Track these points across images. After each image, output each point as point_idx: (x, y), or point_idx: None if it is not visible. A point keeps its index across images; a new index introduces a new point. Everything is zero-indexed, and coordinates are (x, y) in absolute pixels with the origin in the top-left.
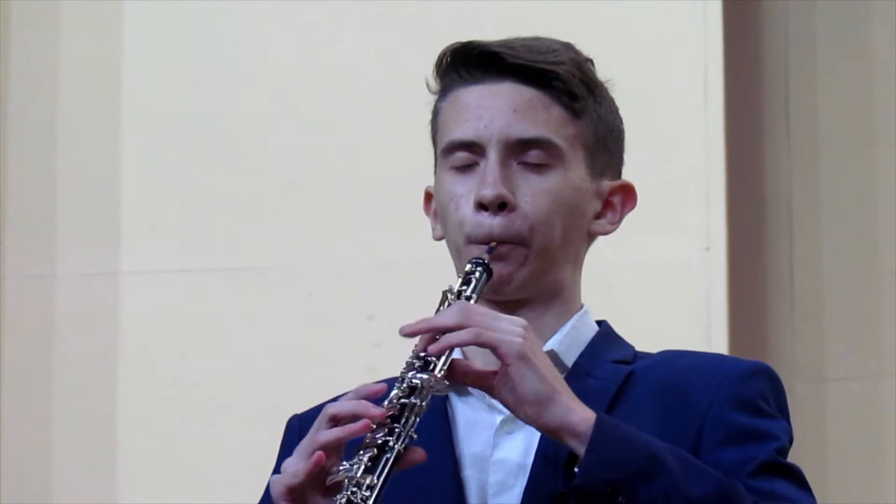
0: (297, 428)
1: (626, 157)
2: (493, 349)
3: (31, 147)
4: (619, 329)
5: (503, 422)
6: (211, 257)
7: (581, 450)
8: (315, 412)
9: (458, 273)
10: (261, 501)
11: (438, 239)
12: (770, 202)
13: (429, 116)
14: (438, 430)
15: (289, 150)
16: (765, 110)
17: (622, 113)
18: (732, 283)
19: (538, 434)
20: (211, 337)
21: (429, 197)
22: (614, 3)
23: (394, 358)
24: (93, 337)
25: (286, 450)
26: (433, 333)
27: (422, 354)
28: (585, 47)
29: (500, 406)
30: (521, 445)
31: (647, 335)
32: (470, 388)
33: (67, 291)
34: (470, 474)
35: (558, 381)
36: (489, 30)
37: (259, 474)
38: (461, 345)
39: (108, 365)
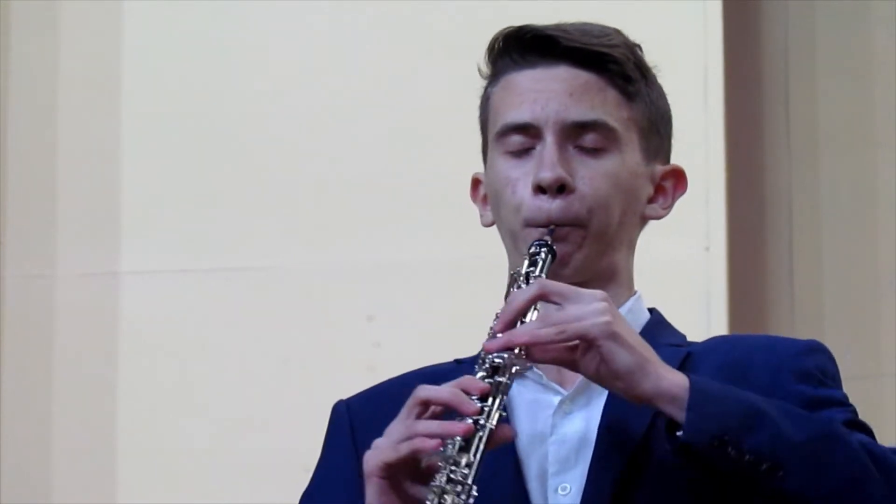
0: (346, 413)
1: None
2: (582, 339)
3: (31, 147)
4: None
5: (561, 402)
6: (211, 257)
7: (680, 414)
8: (361, 396)
9: (509, 258)
10: (320, 466)
11: (488, 225)
12: (770, 202)
13: (430, 116)
14: None
15: (289, 151)
16: (765, 110)
17: None
18: (732, 282)
19: (597, 413)
20: (211, 337)
21: (475, 183)
22: (614, 3)
23: (394, 358)
24: (93, 337)
25: (334, 436)
26: (514, 316)
27: (499, 335)
28: None
29: (556, 387)
30: (581, 425)
31: None
32: (525, 371)
33: (67, 291)
34: (528, 454)
35: (647, 349)
36: (488, 30)
37: (259, 474)
38: (548, 342)
39: (108, 365)
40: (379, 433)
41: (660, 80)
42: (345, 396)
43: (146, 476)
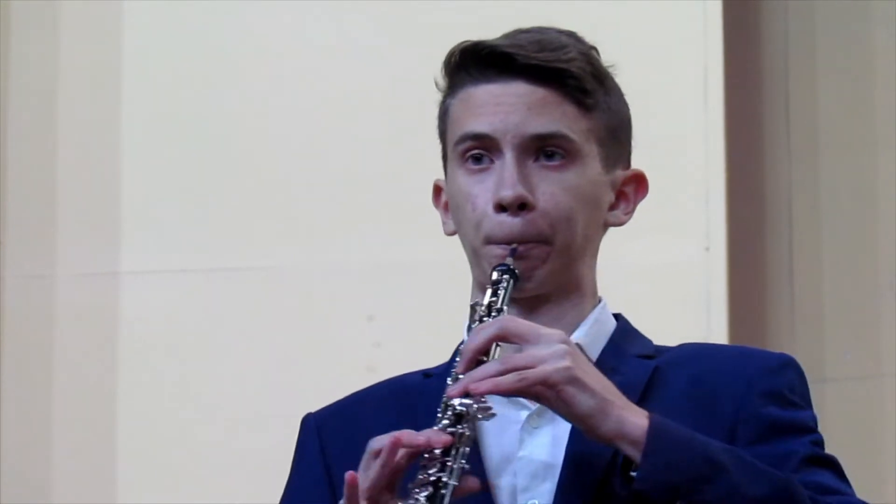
0: (315, 426)
1: None
2: (543, 384)
3: (31, 147)
4: None
5: (528, 417)
6: (211, 257)
7: (637, 456)
8: (330, 410)
9: (472, 270)
10: (290, 485)
11: (451, 234)
12: (770, 202)
13: (430, 116)
14: None
15: (289, 151)
16: (765, 110)
17: None
18: (732, 283)
19: (565, 427)
20: (211, 337)
21: (437, 190)
22: (614, 4)
23: (394, 358)
24: (93, 337)
25: (302, 449)
26: (472, 357)
27: (460, 376)
28: None
29: (524, 401)
30: (548, 440)
31: (647, 336)
32: None
33: (67, 291)
34: (498, 470)
35: (608, 390)
36: (487, 30)
37: (259, 474)
38: (509, 392)
39: (108, 365)
40: (348, 447)
41: (654, 83)
42: (346, 394)
43: (146, 476)
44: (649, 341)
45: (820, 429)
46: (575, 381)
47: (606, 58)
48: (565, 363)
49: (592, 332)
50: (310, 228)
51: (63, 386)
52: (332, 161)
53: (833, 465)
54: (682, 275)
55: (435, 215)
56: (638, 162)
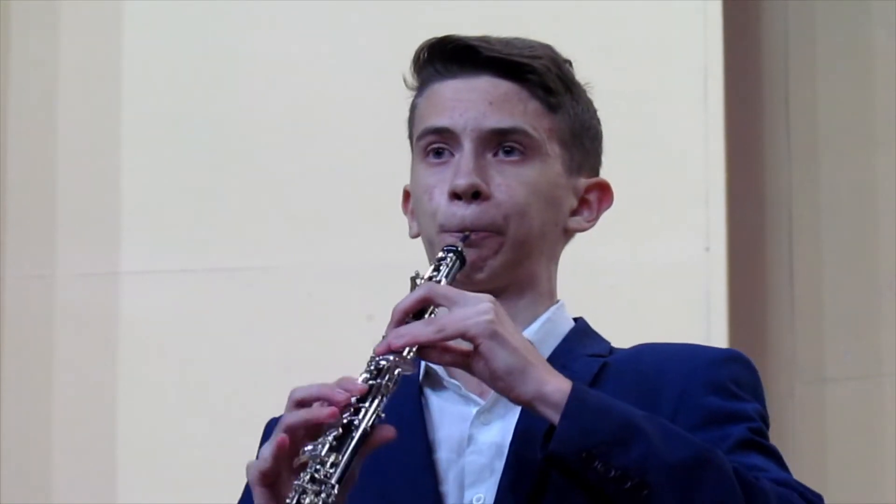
0: (274, 427)
1: (627, 156)
2: (462, 336)
3: (31, 147)
4: (619, 329)
5: (479, 412)
6: (211, 257)
7: (555, 418)
8: None
9: (429, 263)
10: (244, 490)
11: (415, 236)
12: (770, 202)
13: None
14: (413, 421)
15: (289, 151)
16: (765, 110)
17: (622, 113)
18: (732, 283)
19: (513, 424)
20: (211, 337)
21: (407, 196)
22: (614, 4)
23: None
24: (93, 337)
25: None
26: (401, 318)
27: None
28: (585, 48)
29: (475, 397)
30: (498, 435)
31: (647, 335)
32: (444, 381)
33: (67, 291)
34: (447, 464)
35: (532, 353)
36: (487, 30)
37: None
38: (427, 342)
39: (108, 365)
40: None
41: (654, 83)
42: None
43: (146, 476)
44: (606, 343)
45: (820, 428)
46: (496, 335)
47: (608, 58)
48: (488, 317)
49: (543, 331)
50: (310, 228)
51: (63, 386)
52: (333, 161)
53: (770, 452)
54: (682, 275)
55: None
56: (638, 162)
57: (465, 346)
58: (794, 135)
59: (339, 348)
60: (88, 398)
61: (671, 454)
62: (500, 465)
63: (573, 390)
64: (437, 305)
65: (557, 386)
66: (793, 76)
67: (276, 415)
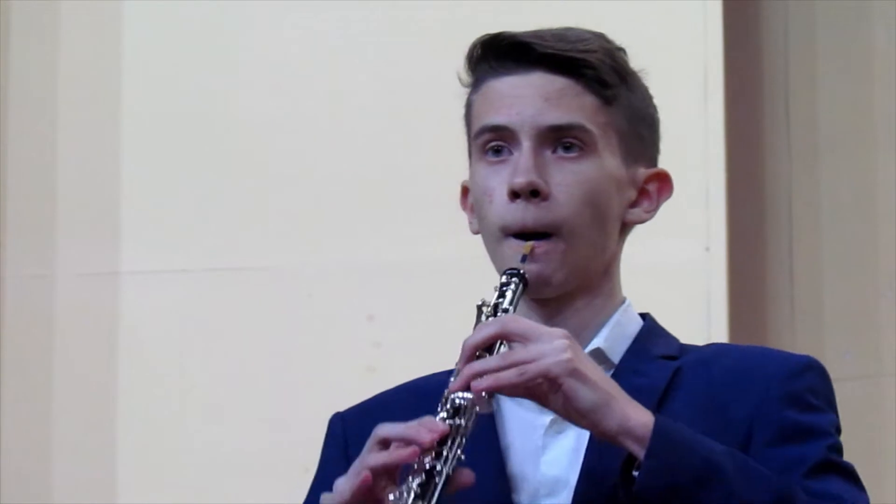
0: (341, 427)
1: None
2: (543, 378)
3: (32, 147)
4: None
5: (552, 421)
6: (211, 257)
7: (640, 453)
8: (356, 410)
9: (496, 267)
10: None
11: (475, 233)
12: (770, 202)
13: (430, 116)
14: (485, 429)
15: (289, 151)
16: (765, 110)
17: None
18: (732, 283)
19: (587, 432)
20: (211, 337)
21: (465, 191)
22: (614, 4)
23: (394, 358)
24: (93, 337)
25: (327, 448)
26: (472, 353)
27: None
28: None
29: None
30: (571, 444)
31: None
32: None
33: (67, 291)
34: (520, 473)
35: (611, 386)
36: (487, 30)
37: (259, 474)
38: (509, 386)
39: (108, 365)
40: None
41: (654, 83)
42: (346, 396)
43: (146, 476)
44: (675, 340)
45: None
46: (576, 373)
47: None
48: (566, 356)
49: (613, 336)
50: (310, 228)
51: (63, 386)
52: (333, 161)
53: (846, 473)
54: (682, 275)
55: (436, 215)
56: None
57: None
58: (794, 135)
59: (339, 348)
60: (88, 398)
61: (752, 495)
62: (574, 475)
63: (656, 426)
64: (511, 341)
65: (640, 420)
66: (793, 76)
67: (290, 411)
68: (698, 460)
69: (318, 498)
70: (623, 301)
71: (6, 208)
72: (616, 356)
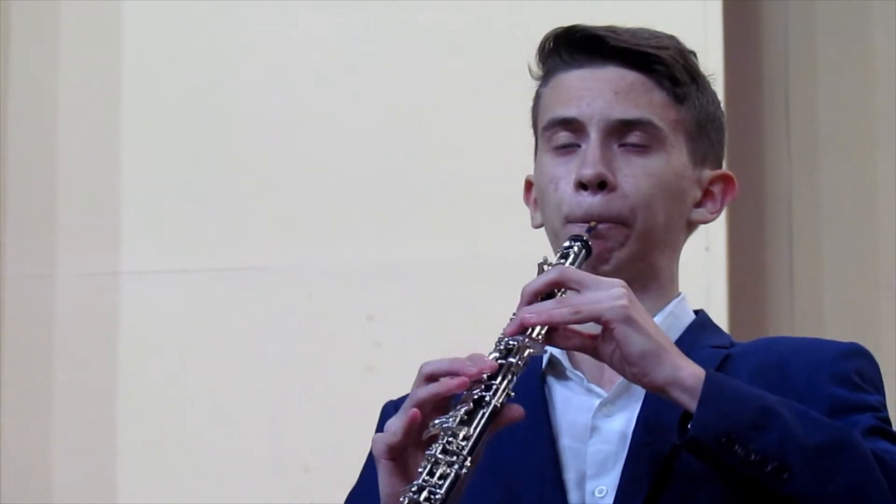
0: (392, 410)
1: None
2: (596, 320)
3: (32, 147)
4: None
5: (601, 404)
6: (211, 257)
7: (692, 404)
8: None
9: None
10: (365, 464)
11: (537, 227)
12: (770, 202)
13: (431, 116)
14: (536, 408)
15: (289, 151)
16: (765, 110)
17: None
18: (732, 282)
19: (636, 415)
20: (211, 337)
21: (528, 186)
22: (614, 3)
23: (394, 358)
24: (93, 337)
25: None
26: (530, 299)
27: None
28: None
29: (597, 389)
30: (620, 427)
31: None
32: (567, 371)
33: (67, 291)
34: (568, 455)
35: (664, 338)
36: (487, 30)
37: (259, 474)
38: (562, 322)
39: (108, 365)
40: None
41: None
42: (346, 396)
43: (146, 476)
44: (727, 336)
45: None
46: (630, 320)
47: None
48: (622, 302)
49: (667, 324)
50: (310, 228)
51: (63, 386)
52: (332, 161)
53: None
54: (681, 275)
55: (436, 216)
56: None
57: (593, 330)
58: (794, 135)
59: (339, 348)
60: (88, 398)
61: (810, 437)
62: (622, 455)
63: (708, 375)
64: (569, 288)
65: (692, 371)
66: (793, 76)
67: (290, 411)
68: (752, 405)
69: (364, 487)
70: (679, 294)
71: (6, 208)
72: None
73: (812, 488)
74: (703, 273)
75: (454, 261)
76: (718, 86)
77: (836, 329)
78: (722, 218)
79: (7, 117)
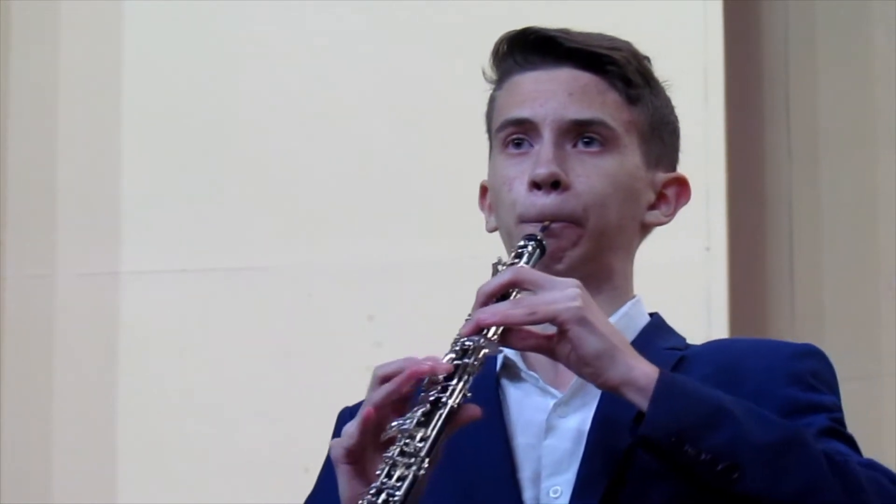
0: (349, 416)
1: None
2: (551, 321)
3: (32, 147)
4: None
5: (556, 405)
6: (211, 257)
7: (644, 403)
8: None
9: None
10: (322, 470)
11: (492, 231)
12: (770, 202)
13: (430, 115)
14: (491, 409)
15: (289, 151)
16: (765, 110)
17: None
18: (733, 282)
19: (591, 416)
20: (211, 337)
21: (483, 191)
22: (614, 3)
23: (394, 358)
24: (93, 337)
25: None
26: (485, 300)
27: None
28: None
29: (552, 389)
30: (575, 427)
31: None
32: (522, 373)
33: (67, 291)
34: (523, 456)
35: (618, 338)
36: (487, 30)
37: (259, 474)
38: (517, 323)
39: (108, 365)
40: None
41: (667, 89)
42: (346, 396)
43: (146, 476)
44: (682, 338)
45: None
46: (584, 321)
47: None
48: (577, 303)
49: (621, 325)
50: (310, 228)
51: (63, 386)
52: (332, 161)
53: (849, 440)
54: (682, 275)
55: (436, 216)
56: None
57: (548, 330)
58: (794, 135)
59: (339, 348)
60: (88, 398)
61: (761, 435)
62: (577, 454)
63: (661, 374)
64: (524, 289)
65: (645, 371)
66: (793, 76)
67: (290, 411)
68: (705, 405)
69: (321, 491)
70: (634, 297)
71: (6, 208)
72: None
73: (763, 487)
74: (703, 273)
75: (454, 261)
76: (718, 85)
77: (836, 329)
78: (722, 218)
79: (7, 117)
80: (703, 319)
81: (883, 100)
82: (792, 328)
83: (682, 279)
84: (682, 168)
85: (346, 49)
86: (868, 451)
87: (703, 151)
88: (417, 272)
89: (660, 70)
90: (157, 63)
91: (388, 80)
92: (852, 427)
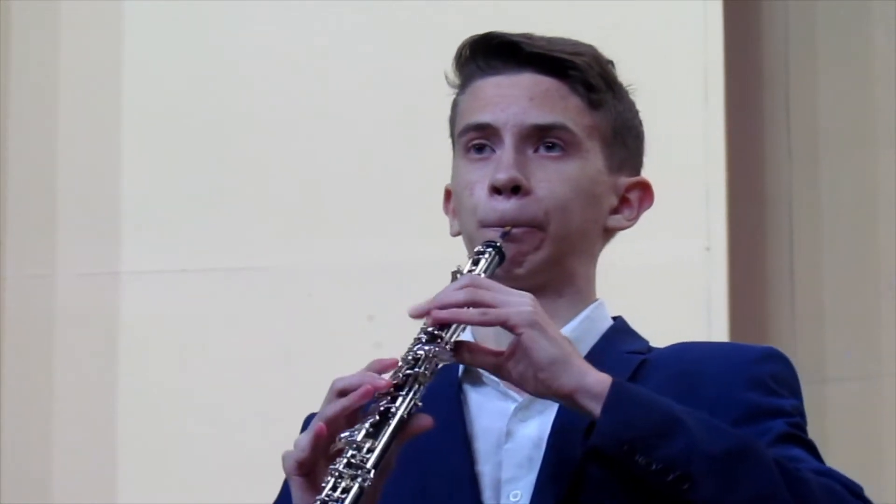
0: None
1: None
2: (503, 324)
3: (32, 147)
4: None
5: (517, 409)
6: (211, 257)
7: (597, 410)
8: None
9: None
10: (284, 480)
11: (455, 235)
12: (770, 202)
13: (430, 115)
14: (451, 414)
15: (288, 151)
16: (765, 110)
17: None
18: (733, 282)
19: (551, 420)
20: (211, 337)
21: (448, 195)
22: (615, 3)
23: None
24: (93, 337)
25: None
26: (439, 308)
27: (429, 329)
28: None
29: (512, 393)
30: (535, 431)
31: (647, 335)
32: (484, 377)
33: (67, 291)
34: (484, 460)
35: (572, 348)
36: (485, 30)
37: (259, 474)
38: (469, 322)
39: (108, 365)
40: None
41: (654, 84)
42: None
43: (146, 476)
44: (645, 341)
45: (820, 428)
46: (537, 325)
47: (608, 58)
48: (529, 308)
49: (582, 328)
50: (310, 228)
51: (63, 386)
52: (332, 161)
53: (809, 446)
54: (682, 275)
55: (435, 215)
56: None
57: (500, 347)
58: (794, 135)
59: (339, 348)
60: (88, 398)
61: (713, 445)
62: (537, 459)
63: (614, 383)
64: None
65: (599, 378)
66: (793, 76)
67: (290, 411)
68: (657, 414)
69: (285, 497)
70: (596, 300)
71: (6, 208)
72: (583, 349)
73: (714, 497)
74: (703, 273)
75: (454, 261)
76: (718, 85)
77: (836, 329)
78: (722, 218)
79: (7, 117)
80: (703, 319)
81: (883, 100)
82: (792, 328)
83: (682, 279)
84: (683, 168)
85: (346, 49)
86: (868, 451)
87: (703, 151)
88: (417, 272)
89: (660, 70)
90: (157, 63)
91: (388, 80)
92: (853, 427)
